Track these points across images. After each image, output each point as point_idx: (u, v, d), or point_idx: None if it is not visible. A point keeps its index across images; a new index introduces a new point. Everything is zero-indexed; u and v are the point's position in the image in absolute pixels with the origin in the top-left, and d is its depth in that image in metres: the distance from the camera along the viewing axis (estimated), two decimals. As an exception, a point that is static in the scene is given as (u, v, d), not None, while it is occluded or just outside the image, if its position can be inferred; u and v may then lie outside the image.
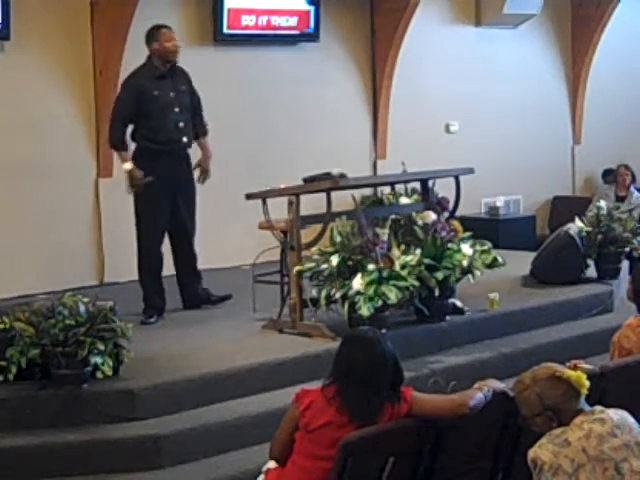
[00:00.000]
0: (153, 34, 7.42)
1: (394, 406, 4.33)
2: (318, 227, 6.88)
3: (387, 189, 7.91)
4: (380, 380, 4.30)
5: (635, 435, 3.83)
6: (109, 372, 5.71)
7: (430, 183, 7.57)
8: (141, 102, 7.28)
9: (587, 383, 3.93)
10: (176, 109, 7.37)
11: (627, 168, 11.66)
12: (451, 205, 7.56)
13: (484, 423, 4.49)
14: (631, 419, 3.91)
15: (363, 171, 9.89)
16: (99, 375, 5.70)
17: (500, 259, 7.22)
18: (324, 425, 4.27)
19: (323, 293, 6.60)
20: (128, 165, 7.31)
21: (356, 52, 10.44)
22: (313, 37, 9.96)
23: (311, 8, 9.85)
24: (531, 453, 3.80)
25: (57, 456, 5.45)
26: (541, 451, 3.76)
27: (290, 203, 6.85)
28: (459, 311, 7.24)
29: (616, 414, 3.88)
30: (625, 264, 8.51)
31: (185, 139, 7.42)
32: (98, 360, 5.65)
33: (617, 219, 8.43)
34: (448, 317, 7.12)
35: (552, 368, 3.98)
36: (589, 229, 8.33)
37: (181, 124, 7.38)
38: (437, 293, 6.81)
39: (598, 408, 3.90)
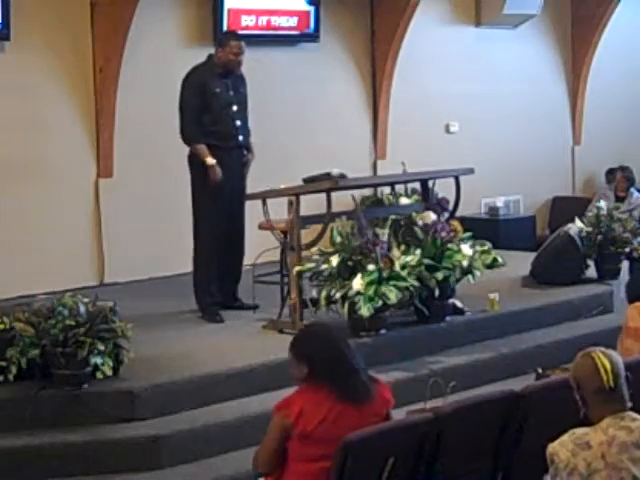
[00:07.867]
0: (223, 41, 7.45)
1: (378, 389, 4.43)
2: (318, 227, 6.88)
3: (387, 189, 7.92)
4: (358, 359, 4.44)
5: None
6: (109, 372, 5.71)
7: (430, 183, 7.57)
8: (202, 97, 7.30)
9: (610, 373, 3.74)
10: (234, 107, 7.42)
11: (624, 171, 11.52)
12: (451, 205, 7.56)
13: (484, 423, 4.49)
14: None
15: (363, 171, 9.89)
16: (99, 375, 5.70)
17: (500, 259, 7.23)
18: (319, 424, 4.28)
19: (323, 293, 6.61)
20: (210, 160, 7.21)
21: (356, 52, 10.43)
22: (313, 37, 9.96)
23: (311, 8, 9.84)
24: (550, 448, 3.74)
25: (57, 456, 5.44)
26: (560, 449, 3.71)
27: (290, 203, 6.85)
28: (459, 311, 7.24)
29: None
30: (625, 264, 8.51)
31: (241, 137, 7.44)
32: (98, 360, 5.65)
33: (617, 219, 8.43)
34: (448, 317, 7.12)
35: (592, 349, 3.86)
36: (589, 229, 8.33)
37: (238, 122, 7.42)
38: (437, 293, 6.82)
39: (630, 415, 3.77)
